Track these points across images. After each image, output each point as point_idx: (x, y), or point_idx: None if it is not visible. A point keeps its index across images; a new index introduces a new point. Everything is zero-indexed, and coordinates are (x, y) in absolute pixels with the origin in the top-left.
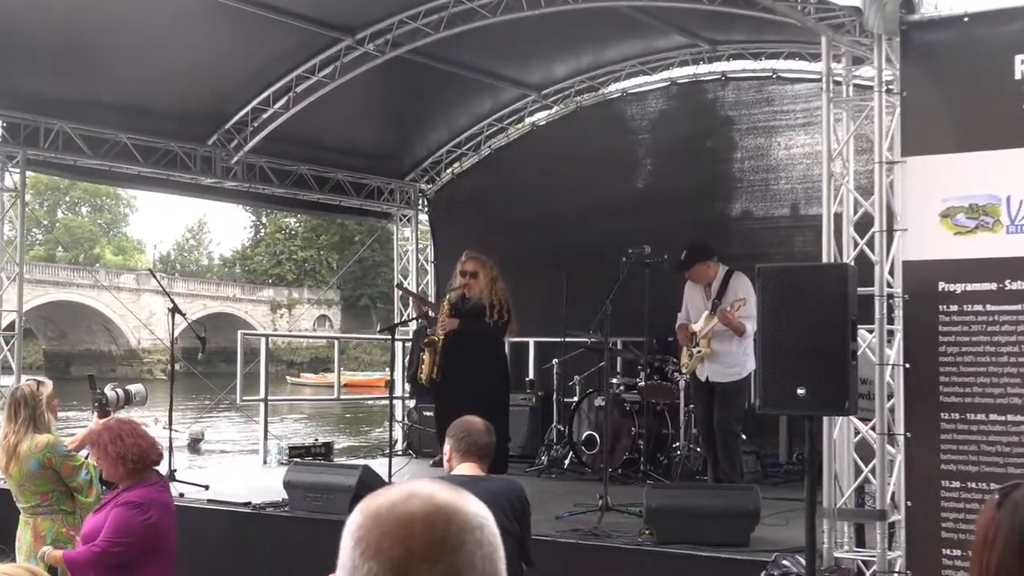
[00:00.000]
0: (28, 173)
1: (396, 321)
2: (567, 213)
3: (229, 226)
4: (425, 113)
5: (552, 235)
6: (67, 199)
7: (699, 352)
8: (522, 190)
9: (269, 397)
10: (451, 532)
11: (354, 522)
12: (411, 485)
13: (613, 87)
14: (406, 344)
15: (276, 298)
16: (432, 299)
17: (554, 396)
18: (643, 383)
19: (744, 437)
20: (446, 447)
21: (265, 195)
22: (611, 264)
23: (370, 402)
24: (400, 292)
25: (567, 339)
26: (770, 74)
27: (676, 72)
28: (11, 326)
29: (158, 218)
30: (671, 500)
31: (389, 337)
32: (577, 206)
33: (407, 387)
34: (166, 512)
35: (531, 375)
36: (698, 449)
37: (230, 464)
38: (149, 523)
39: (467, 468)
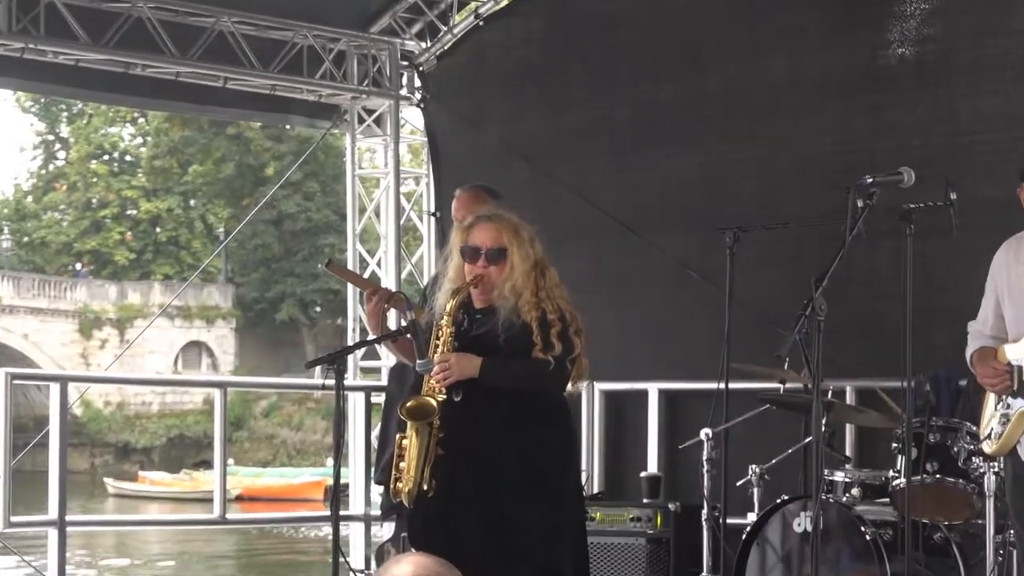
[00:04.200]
0: None
1: (350, 343)
2: (720, 101)
3: None
4: None
5: (688, 149)
6: None
7: None
8: (622, 50)
9: (69, 517)
10: None
11: None
12: None
13: None
14: (374, 402)
15: (92, 304)
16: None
17: (703, 512)
18: (901, 480)
19: None
20: None
21: (59, 67)
22: (818, 209)
23: (295, 532)
24: (336, 274)
25: (729, 384)
26: None
27: None
28: None
29: None
30: None
31: (332, 383)
32: (743, 85)
33: (378, 494)
34: None
35: (653, 465)
36: None
37: None
38: None
39: None
